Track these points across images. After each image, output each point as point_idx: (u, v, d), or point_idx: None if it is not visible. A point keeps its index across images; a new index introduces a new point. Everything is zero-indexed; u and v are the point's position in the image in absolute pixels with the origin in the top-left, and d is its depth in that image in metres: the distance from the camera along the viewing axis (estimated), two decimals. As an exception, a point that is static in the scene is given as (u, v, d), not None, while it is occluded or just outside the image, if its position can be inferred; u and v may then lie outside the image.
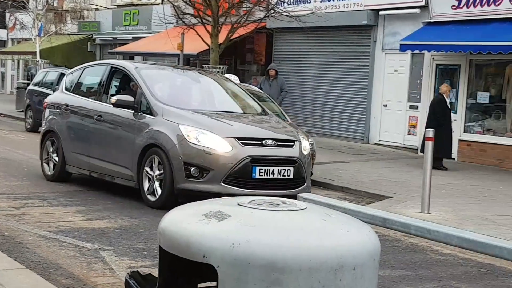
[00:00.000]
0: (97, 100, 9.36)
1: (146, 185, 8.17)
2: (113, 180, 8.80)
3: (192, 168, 7.77)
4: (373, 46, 18.13)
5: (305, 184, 8.21)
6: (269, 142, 8.03)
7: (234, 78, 14.45)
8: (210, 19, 17.47)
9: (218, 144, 7.83)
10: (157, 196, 8.04)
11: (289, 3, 19.09)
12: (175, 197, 7.93)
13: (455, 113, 15.93)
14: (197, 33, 17.40)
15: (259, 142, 7.99)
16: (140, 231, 6.66)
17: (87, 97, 9.71)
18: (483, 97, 15.75)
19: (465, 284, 5.50)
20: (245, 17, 17.60)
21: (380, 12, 17.74)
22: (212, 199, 2.49)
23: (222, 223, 2.12)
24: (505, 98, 15.56)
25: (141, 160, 8.21)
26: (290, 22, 17.51)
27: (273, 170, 7.87)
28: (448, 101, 14.37)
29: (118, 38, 28.18)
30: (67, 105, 9.78)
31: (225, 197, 2.50)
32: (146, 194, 8.15)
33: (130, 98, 8.57)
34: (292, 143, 8.27)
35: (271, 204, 2.31)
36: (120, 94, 9.01)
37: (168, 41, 19.40)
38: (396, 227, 2.15)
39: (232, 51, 21.26)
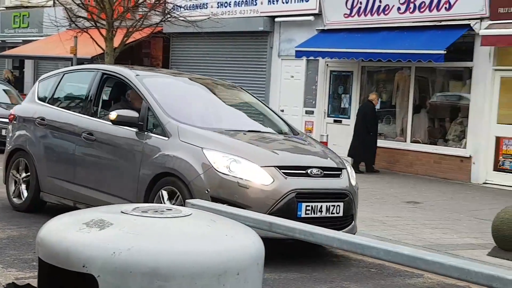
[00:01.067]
0: (84, 114, 7.56)
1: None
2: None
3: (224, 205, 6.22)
4: (269, 52, 18.39)
5: (353, 222, 6.68)
6: (314, 171, 6.40)
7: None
8: (104, 22, 17.14)
9: (256, 174, 6.15)
10: None
11: (185, 8, 19.06)
12: None
13: (349, 118, 16.42)
14: (91, 37, 17.03)
15: (304, 171, 6.35)
16: (30, 241, 6.42)
17: (70, 110, 7.93)
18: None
19: (356, 284, 5.67)
20: (140, 21, 17.40)
21: (276, 19, 18.03)
22: (94, 207, 2.43)
23: (104, 231, 2.06)
24: (395, 104, 16.18)
25: (149, 192, 6.53)
26: (186, 27, 17.47)
27: (321, 207, 6.26)
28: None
29: (7, 41, 27.16)
30: (42, 119, 7.96)
31: (108, 205, 2.44)
32: None
33: (134, 113, 6.83)
34: (340, 172, 6.68)
35: (156, 211, 2.27)
36: (120, 108, 7.14)
37: (61, 45, 18.88)
38: (281, 231, 2.18)
39: (128, 56, 20.94)
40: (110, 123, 7.02)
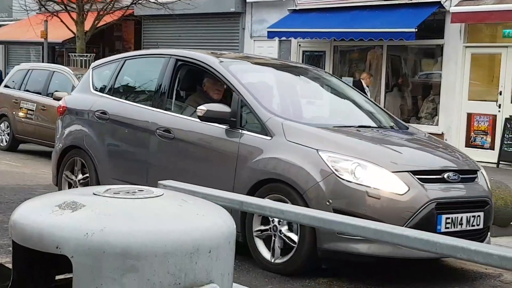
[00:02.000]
0: (157, 108, 6.48)
1: (260, 243, 5.51)
2: None
3: None
4: (242, 33, 18.37)
5: (489, 233, 5.68)
6: (451, 175, 5.38)
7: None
8: (74, 6, 16.97)
9: (387, 181, 5.15)
10: (285, 260, 5.35)
11: (156, -10, 18.93)
12: (314, 262, 5.32)
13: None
14: (61, 21, 16.87)
15: (439, 176, 5.35)
16: (5, 226, 6.41)
17: (138, 103, 6.83)
18: (347, 82, 16.42)
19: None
20: (111, 4, 17.25)
21: (248, 0, 17.99)
22: (67, 189, 2.46)
23: (76, 213, 2.09)
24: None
25: None
26: (158, 10, 17.37)
27: (461, 219, 5.24)
28: (365, 87, 14.90)
29: (-24, 26, 26.77)
30: (104, 113, 6.88)
31: (80, 188, 2.47)
32: (265, 257, 5.44)
33: (225, 108, 5.84)
34: (475, 175, 5.67)
35: (127, 192, 2.30)
36: (199, 101, 6.27)
37: (31, 29, 18.67)
38: (253, 209, 2.21)
39: (99, 39, 20.78)
40: (192, 118, 6.10)
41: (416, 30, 13.99)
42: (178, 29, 19.82)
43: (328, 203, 5.07)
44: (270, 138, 5.55)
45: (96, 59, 17.73)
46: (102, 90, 7.22)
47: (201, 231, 2.10)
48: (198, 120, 5.96)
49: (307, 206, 5.04)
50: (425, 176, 5.24)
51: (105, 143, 6.83)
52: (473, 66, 14.47)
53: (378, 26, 14.59)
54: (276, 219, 5.26)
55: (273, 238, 5.38)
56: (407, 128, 6.58)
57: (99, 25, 17.33)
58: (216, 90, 6.51)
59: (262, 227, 5.45)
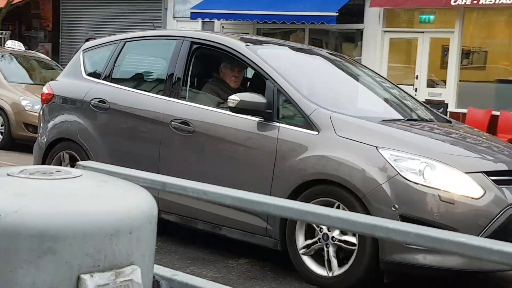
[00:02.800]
0: (170, 97, 5.75)
1: (309, 260, 4.87)
2: (217, 231, 5.40)
3: None
4: (164, 14, 18.14)
5: None
6: None
7: (18, 44, 13.66)
8: (-12, -19, 16.32)
9: (460, 183, 4.57)
10: (332, 274, 4.76)
11: (75, -33, 18.42)
12: (374, 275, 4.72)
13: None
14: (-25, -4, 16.19)
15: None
16: None
17: (146, 91, 6.09)
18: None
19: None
20: (28, -19, 16.68)
21: (170, -20, 17.76)
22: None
23: (-11, 194, 2.01)
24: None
25: None
26: (77, -13, 16.89)
27: None
28: None
29: None
30: (102, 102, 6.12)
31: (-6, 168, 2.37)
32: (319, 274, 4.83)
33: (260, 98, 5.16)
34: None
35: (44, 173, 2.22)
36: (215, 88, 5.81)
37: None
38: (175, 190, 2.17)
39: (16, 16, 20.07)
40: (217, 109, 5.50)
41: (337, 14, 14.17)
42: (98, 8, 19.36)
43: (393, 209, 4.45)
44: (317, 133, 4.89)
45: (12, 36, 17.13)
46: (97, 75, 6.44)
47: (122, 212, 2.05)
48: (224, 111, 5.34)
49: (366, 211, 4.47)
50: (499, 177, 4.67)
51: (104, 136, 6.06)
52: (391, 51, 14.81)
53: (300, 9, 14.69)
54: (324, 227, 4.71)
55: (325, 248, 4.76)
56: (450, 121, 6.03)
57: (14, 1, 16.73)
58: (234, 77, 5.97)
59: (309, 241, 4.82)
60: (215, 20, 16.53)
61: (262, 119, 5.12)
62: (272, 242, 5.05)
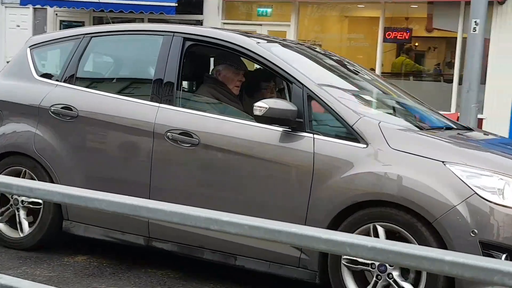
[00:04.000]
0: (164, 103, 4.82)
1: (349, 279, 4.17)
2: (231, 261, 4.58)
3: (503, 256, 3.84)
4: (-7, -1, 17.10)
5: None
6: None
7: None
8: None
9: None
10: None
11: None
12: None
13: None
14: None
15: None
16: None
17: (126, 95, 5.14)
18: None
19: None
20: None
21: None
22: None
23: None
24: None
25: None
26: None
27: None
28: None
29: None
30: (68, 108, 5.11)
31: None
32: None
33: (290, 105, 4.36)
34: None
35: None
36: (214, 93, 5.03)
37: None
38: (164, 218, 1.95)
39: None
40: (229, 117, 4.64)
41: (176, 4, 14.09)
42: None
43: (473, 235, 3.81)
44: (365, 146, 4.14)
45: None
46: (55, 77, 5.42)
47: None
48: (238, 119, 4.60)
49: (438, 238, 3.85)
50: None
51: (72, 151, 5.05)
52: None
53: (139, -2, 14.44)
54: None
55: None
56: (472, 129, 5.42)
57: None
58: (238, 81, 5.21)
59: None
60: (48, 7, 15.81)
61: (289, 130, 4.32)
62: (308, 274, 4.29)
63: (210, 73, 5.41)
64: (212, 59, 5.64)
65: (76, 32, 5.58)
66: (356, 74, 5.45)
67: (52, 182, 5.07)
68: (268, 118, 4.28)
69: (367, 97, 5.15)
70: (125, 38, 5.59)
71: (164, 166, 4.69)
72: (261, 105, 4.29)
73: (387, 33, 13.50)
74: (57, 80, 5.35)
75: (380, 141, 4.13)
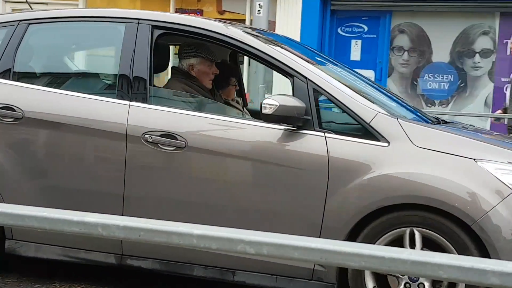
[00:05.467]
0: (135, 101, 4.14)
1: None
2: (228, 277, 3.98)
3: None
4: None
5: None
6: None
7: None
8: None
9: None
10: None
11: None
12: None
13: None
14: None
15: None
16: None
17: (83, 92, 4.31)
18: None
19: None
20: None
21: None
22: None
23: None
24: None
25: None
26: None
27: None
28: None
29: None
30: (9, 108, 4.26)
31: None
32: None
33: (297, 101, 3.85)
34: None
35: None
36: (186, 88, 4.39)
37: None
38: (146, 237, 1.61)
39: None
40: (218, 115, 4.11)
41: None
42: None
43: None
44: (387, 144, 3.76)
45: None
46: None
47: None
48: (230, 118, 4.14)
49: (477, 242, 3.57)
50: None
51: (16, 158, 4.23)
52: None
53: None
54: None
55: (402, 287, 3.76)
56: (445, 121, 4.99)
57: None
58: (213, 74, 4.73)
59: None
60: None
61: (295, 128, 3.87)
62: (323, 287, 3.87)
63: (178, 66, 4.79)
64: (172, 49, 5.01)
65: (6, 19, 4.65)
66: (335, 65, 4.90)
67: None
68: (277, 117, 3.80)
69: (364, 90, 4.50)
70: (71, 26, 4.75)
71: (142, 173, 4.05)
72: (270, 103, 3.81)
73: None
74: None
75: (403, 139, 3.77)
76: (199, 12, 13.59)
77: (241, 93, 5.65)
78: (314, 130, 3.86)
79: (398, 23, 11.91)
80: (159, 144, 4.01)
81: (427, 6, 11.72)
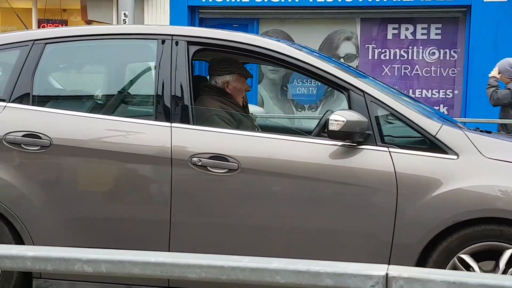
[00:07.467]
0: (177, 122, 3.84)
1: None
2: None
3: None
4: None
5: None
6: None
7: None
8: None
9: None
10: None
11: None
12: None
13: None
14: None
15: None
16: None
17: (118, 116, 4.01)
18: None
19: None
20: None
21: None
22: None
23: None
24: None
25: (423, 260, 3.61)
26: None
27: None
28: None
29: None
30: (35, 136, 3.85)
31: None
32: None
33: (362, 117, 3.65)
34: None
35: None
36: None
37: None
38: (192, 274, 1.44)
39: None
40: (271, 134, 3.87)
41: None
42: None
43: None
44: (456, 157, 3.64)
45: None
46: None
47: None
48: (283, 137, 3.85)
49: None
50: None
51: (46, 189, 3.86)
52: None
53: None
54: None
55: None
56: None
57: None
58: (244, 91, 4.52)
59: None
60: None
61: (354, 144, 3.71)
62: None
63: (209, 83, 4.55)
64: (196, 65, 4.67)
65: (18, 38, 4.24)
66: (365, 76, 4.63)
67: (16, 235, 3.90)
68: (344, 133, 3.64)
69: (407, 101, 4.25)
70: (96, 45, 4.39)
71: (190, 197, 3.81)
72: (338, 119, 3.64)
73: (41, 24, 13.07)
74: (2, 101, 4.07)
75: (472, 151, 3.67)
76: (64, 23, 13.26)
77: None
78: (377, 145, 3.73)
79: (266, 30, 12.15)
80: (208, 167, 3.77)
81: (292, 14, 12.03)
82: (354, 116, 3.66)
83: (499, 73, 8.12)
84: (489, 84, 8.06)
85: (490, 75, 8.24)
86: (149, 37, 4.21)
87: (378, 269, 1.58)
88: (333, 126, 3.64)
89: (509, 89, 7.97)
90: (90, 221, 3.88)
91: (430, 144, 3.71)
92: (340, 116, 3.65)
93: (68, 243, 3.84)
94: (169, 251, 3.73)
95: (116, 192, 3.90)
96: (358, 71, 4.55)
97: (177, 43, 4.02)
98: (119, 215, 3.87)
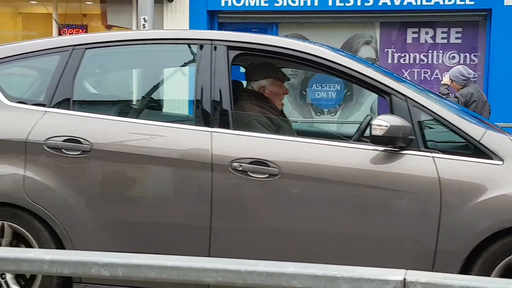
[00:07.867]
0: (216, 127, 3.83)
1: None
2: None
3: None
4: None
5: None
6: None
7: None
8: None
9: None
10: None
11: None
12: None
13: None
14: None
15: None
16: None
17: (158, 121, 3.98)
18: None
19: None
20: None
21: None
22: None
23: None
24: None
25: (466, 267, 3.53)
26: None
27: None
28: None
29: None
30: (75, 141, 3.88)
31: None
32: None
33: (405, 122, 3.62)
34: None
35: None
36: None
37: None
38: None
39: None
40: (312, 139, 3.86)
41: None
42: None
43: None
44: (501, 162, 3.59)
45: None
46: (38, 102, 4.11)
47: None
48: (323, 142, 3.83)
49: None
50: None
51: (86, 194, 3.88)
52: None
53: None
54: None
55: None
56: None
57: None
58: (282, 95, 4.50)
59: None
60: None
61: (396, 149, 3.67)
62: None
63: (247, 87, 4.54)
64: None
65: (57, 44, 4.28)
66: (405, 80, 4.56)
67: (57, 239, 3.91)
68: (387, 138, 3.61)
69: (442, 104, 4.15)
70: (136, 50, 4.42)
71: (231, 203, 3.79)
72: (381, 123, 3.60)
73: (62, 30, 13.17)
74: (43, 106, 4.07)
75: None
76: (83, 27, 13.35)
77: None
78: (420, 150, 3.69)
79: (285, 34, 12.14)
80: (248, 172, 3.75)
81: (311, 18, 12.01)
82: (397, 121, 3.62)
83: (450, 80, 8.11)
84: (440, 92, 7.99)
85: (442, 82, 8.36)
86: (189, 42, 4.25)
87: (396, 274, 1.57)
88: (376, 131, 3.62)
89: (456, 97, 7.93)
90: (129, 225, 3.87)
91: (474, 149, 3.67)
92: (384, 121, 3.62)
93: (108, 248, 3.82)
94: (209, 256, 3.76)
95: (155, 197, 3.89)
96: (397, 75, 4.53)
97: (215, 48, 4.01)
98: (159, 220, 3.85)
